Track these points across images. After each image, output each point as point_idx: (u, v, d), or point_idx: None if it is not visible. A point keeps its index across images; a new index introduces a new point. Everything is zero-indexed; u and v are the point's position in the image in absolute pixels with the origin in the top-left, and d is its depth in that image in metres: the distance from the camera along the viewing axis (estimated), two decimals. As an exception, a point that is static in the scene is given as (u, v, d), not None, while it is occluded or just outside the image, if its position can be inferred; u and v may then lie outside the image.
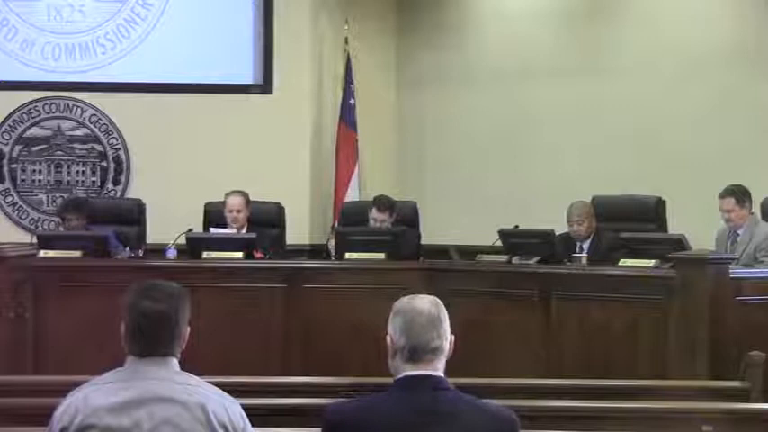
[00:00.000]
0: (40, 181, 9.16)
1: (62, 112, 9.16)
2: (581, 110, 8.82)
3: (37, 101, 9.14)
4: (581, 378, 5.21)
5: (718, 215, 6.90)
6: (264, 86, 9.21)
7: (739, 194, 6.79)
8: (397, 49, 9.73)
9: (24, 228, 9.04)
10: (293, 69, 9.17)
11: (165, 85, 9.14)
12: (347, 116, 9.33)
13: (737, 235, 6.81)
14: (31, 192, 9.15)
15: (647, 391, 4.77)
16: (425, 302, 2.89)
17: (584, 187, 7.66)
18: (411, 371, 2.84)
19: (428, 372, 2.83)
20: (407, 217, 7.90)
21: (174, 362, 2.88)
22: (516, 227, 7.12)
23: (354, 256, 7.01)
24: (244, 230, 7.52)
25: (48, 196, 9.15)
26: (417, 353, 2.83)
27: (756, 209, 7.00)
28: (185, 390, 2.82)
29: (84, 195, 8.86)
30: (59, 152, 9.16)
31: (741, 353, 4.70)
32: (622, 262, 6.30)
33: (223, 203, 7.62)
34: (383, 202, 7.69)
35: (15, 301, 6.68)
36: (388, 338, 2.88)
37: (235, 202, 7.56)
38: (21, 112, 9.14)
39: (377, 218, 7.62)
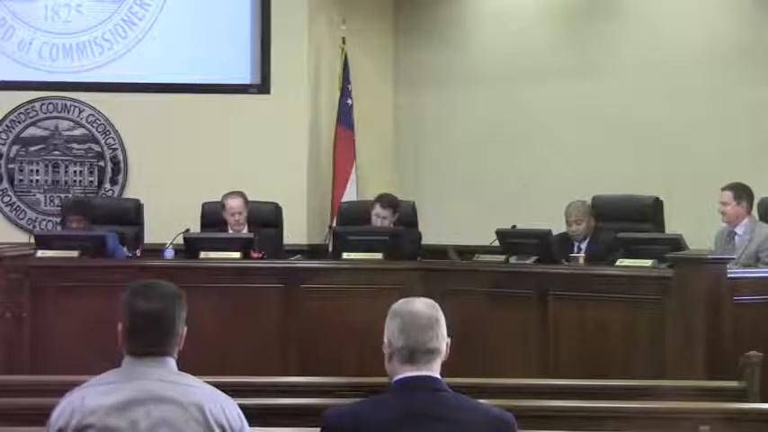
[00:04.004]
0: (37, 181, 9.15)
1: (59, 112, 9.16)
2: (579, 110, 8.82)
3: (34, 101, 9.14)
4: (578, 378, 5.20)
5: (717, 215, 6.91)
6: (262, 86, 9.20)
7: (738, 190, 6.79)
8: (395, 48, 9.73)
9: (22, 227, 9.04)
10: (290, 69, 9.17)
11: (163, 85, 9.14)
12: (344, 116, 9.32)
13: (736, 234, 6.81)
14: (29, 192, 9.15)
15: (644, 391, 4.77)
16: (422, 305, 2.92)
17: (583, 187, 7.66)
18: (408, 372, 2.85)
19: (425, 373, 2.84)
20: (406, 217, 7.90)
21: (172, 362, 2.88)
22: (514, 227, 7.12)
23: (352, 255, 7.02)
24: (244, 231, 7.51)
25: (45, 196, 9.15)
26: (415, 354, 2.85)
27: (753, 210, 7.00)
28: (183, 390, 2.82)
29: (84, 196, 8.84)
30: (57, 152, 9.16)
31: (738, 353, 4.69)
32: (620, 262, 6.30)
33: (221, 204, 7.61)
34: (387, 200, 7.68)
35: (13, 300, 6.67)
36: (386, 341, 2.90)
37: (235, 204, 7.53)
38: (18, 111, 9.13)
39: (379, 213, 7.59)
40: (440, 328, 2.89)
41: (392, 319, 2.90)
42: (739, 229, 6.80)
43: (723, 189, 6.84)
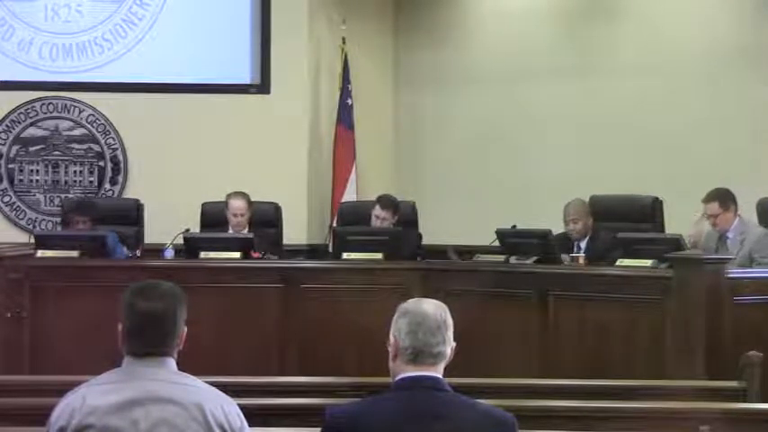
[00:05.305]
0: (37, 181, 9.15)
1: (60, 112, 9.16)
2: (579, 109, 8.82)
3: (34, 101, 9.14)
4: (578, 378, 5.21)
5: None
6: (261, 86, 9.20)
7: (722, 198, 6.73)
8: (395, 48, 9.73)
9: (22, 228, 9.03)
10: (290, 69, 9.17)
11: (163, 85, 9.14)
12: (345, 116, 9.32)
13: (727, 237, 6.78)
14: (29, 192, 9.14)
15: (644, 391, 4.77)
16: (432, 306, 2.90)
17: (583, 187, 7.65)
18: (411, 372, 2.85)
19: (427, 373, 2.84)
20: (406, 217, 7.90)
21: (172, 362, 2.88)
22: (514, 227, 7.12)
23: (352, 256, 7.02)
24: (245, 231, 7.51)
25: (45, 196, 9.15)
26: (420, 355, 2.85)
27: (752, 210, 6.99)
28: (182, 390, 2.82)
29: (84, 196, 8.83)
30: (57, 152, 9.16)
31: (738, 353, 4.70)
32: (620, 262, 6.30)
33: (225, 204, 7.60)
34: (387, 201, 7.69)
35: (13, 300, 6.67)
36: (392, 339, 2.89)
37: (238, 205, 7.53)
38: (18, 111, 9.13)
39: (379, 215, 7.59)
40: (447, 331, 2.88)
41: (400, 317, 2.89)
42: (730, 233, 6.74)
43: (706, 201, 6.72)
